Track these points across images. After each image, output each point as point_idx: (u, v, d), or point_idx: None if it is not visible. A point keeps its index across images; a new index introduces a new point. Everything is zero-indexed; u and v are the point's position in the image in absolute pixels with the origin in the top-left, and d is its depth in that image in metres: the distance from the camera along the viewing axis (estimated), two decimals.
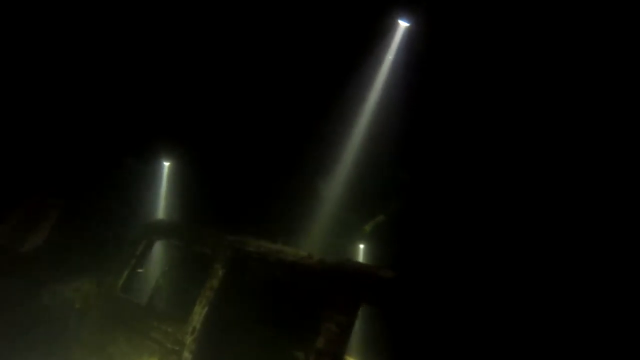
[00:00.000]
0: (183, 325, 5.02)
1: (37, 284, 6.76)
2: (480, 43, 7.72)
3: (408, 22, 8.71)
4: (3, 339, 6.31)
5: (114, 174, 8.15)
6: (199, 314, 4.98)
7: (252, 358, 6.55)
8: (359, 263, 4.30)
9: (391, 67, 8.98)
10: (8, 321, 6.41)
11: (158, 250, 6.15)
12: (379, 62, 9.04)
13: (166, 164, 9.87)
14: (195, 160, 9.30)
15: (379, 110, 8.86)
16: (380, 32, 8.82)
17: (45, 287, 6.77)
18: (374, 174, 8.60)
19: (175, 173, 9.71)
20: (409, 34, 8.78)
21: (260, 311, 6.48)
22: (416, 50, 8.65)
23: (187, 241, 5.78)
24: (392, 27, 8.81)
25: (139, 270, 6.03)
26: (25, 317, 6.57)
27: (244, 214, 8.14)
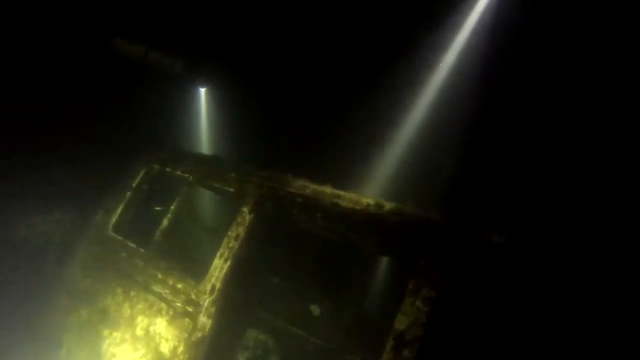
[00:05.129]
0: (198, 281, 3.90)
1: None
2: None
3: None
4: None
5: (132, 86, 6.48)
6: (219, 269, 3.83)
7: (272, 317, 5.61)
8: (455, 220, 3.11)
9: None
10: None
11: (170, 186, 4.84)
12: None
13: (202, 89, 8.23)
14: (236, 85, 7.61)
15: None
16: None
17: (21, 218, 5.51)
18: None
19: (211, 101, 8.14)
20: None
21: (290, 265, 5.44)
22: None
23: (202, 175, 4.49)
24: None
25: (157, 208, 4.77)
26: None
27: (286, 149, 6.71)
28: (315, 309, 5.79)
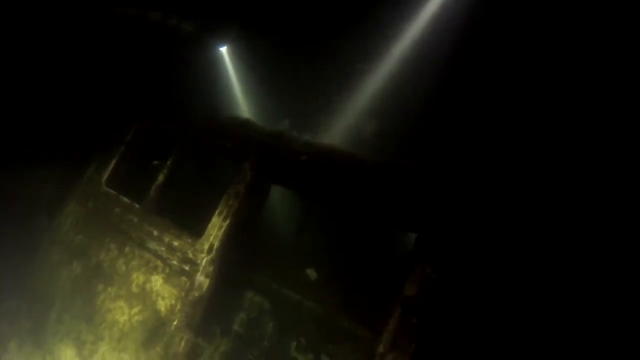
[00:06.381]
0: (195, 239, 3.75)
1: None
2: None
3: None
4: None
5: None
6: (218, 227, 3.67)
7: (268, 279, 5.54)
8: (466, 185, 2.94)
9: None
10: None
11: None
12: None
13: (222, 49, 7.97)
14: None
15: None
16: None
17: (7, 171, 5.25)
18: None
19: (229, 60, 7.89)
20: None
21: (288, 227, 5.32)
22: None
23: (200, 130, 4.24)
24: None
25: (154, 162, 4.55)
26: None
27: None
28: (311, 273, 5.74)
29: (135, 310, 3.71)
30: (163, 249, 3.88)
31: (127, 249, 4.09)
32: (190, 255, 3.67)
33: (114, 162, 4.81)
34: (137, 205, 4.31)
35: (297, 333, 5.44)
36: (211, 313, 3.67)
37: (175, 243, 3.82)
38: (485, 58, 5.78)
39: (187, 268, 3.66)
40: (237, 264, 4.09)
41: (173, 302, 3.56)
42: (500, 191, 3.02)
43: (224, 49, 8.43)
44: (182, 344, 3.41)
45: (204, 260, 3.61)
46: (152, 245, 3.96)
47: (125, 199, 4.42)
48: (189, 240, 3.75)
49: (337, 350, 5.31)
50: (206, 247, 3.63)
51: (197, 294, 3.52)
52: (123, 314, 3.77)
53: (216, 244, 3.63)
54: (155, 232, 4.01)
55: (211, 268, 3.59)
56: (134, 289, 3.85)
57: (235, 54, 8.27)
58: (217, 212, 3.70)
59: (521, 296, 2.84)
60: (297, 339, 5.46)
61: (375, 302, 5.18)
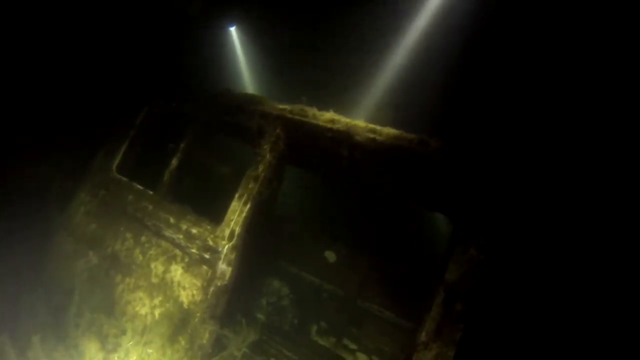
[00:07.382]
0: (215, 226, 3.55)
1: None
2: None
3: None
4: None
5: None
6: (239, 212, 3.46)
7: (286, 263, 5.38)
8: (511, 165, 2.67)
9: None
10: None
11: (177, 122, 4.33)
12: None
13: (232, 28, 7.92)
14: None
15: None
16: None
17: (12, 162, 5.04)
18: None
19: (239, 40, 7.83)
20: None
21: (308, 208, 5.10)
22: None
23: (215, 110, 3.98)
24: None
25: (171, 145, 4.31)
26: None
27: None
28: (330, 255, 5.56)
29: (156, 301, 3.55)
30: (181, 237, 3.69)
31: (143, 238, 3.91)
32: (211, 243, 3.48)
33: (124, 147, 4.60)
34: (150, 192, 4.11)
35: (318, 317, 5.31)
36: (235, 301, 3.50)
37: (194, 230, 3.63)
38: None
39: (207, 256, 3.47)
40: (259, 249, 3.91)
41: (195, 292, 3.39)
42: (549, 169, 2.76)
43: (233, 29, 8.26)
44: (207, 335, 3.25)
45: (225, 247, 3.41)
46: (169, 233, 3.77)
47: (138, 186, 4.22)
48: (208, 227, 3.55)
49: (361, 334, 5.18)
50: (227, 233, 3.43)
51: (219, 284, 3.34)
52: (144, 305, 3.62)
53: (237, 229, 3.42)
54: (172, 220, 3.81)
55: (233, 255, 3.40)
56: (154, 279, 3.68)
57: (245, 32, 8.06)
58: (236, 195, 3.48)
59: (574, 279, 2.61)
60: (317, 322, 5.34)
61: (399, 285, 5.00)
